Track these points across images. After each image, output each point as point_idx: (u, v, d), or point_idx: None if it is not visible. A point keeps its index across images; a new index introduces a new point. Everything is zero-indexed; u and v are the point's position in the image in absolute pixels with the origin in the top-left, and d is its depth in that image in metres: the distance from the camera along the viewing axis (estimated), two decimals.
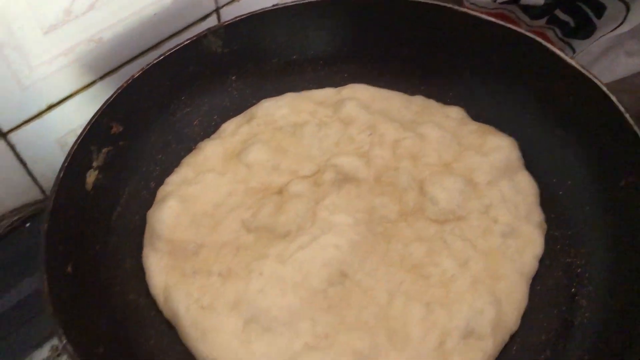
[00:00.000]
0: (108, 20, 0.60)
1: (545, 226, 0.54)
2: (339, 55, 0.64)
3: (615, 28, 0.69)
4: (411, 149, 0.57)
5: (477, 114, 0.61)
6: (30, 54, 0.56)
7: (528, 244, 0.52)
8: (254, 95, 0.63)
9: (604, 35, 0.71)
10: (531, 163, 0.57)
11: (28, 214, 0.64)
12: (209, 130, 0.62)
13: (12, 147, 0.60)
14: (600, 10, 0.71)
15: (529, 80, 0.58)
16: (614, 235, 0.51)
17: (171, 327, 0.50)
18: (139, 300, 0.51)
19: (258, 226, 0.53)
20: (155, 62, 0.57)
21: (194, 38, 0.59)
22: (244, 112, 0.62)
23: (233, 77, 0.63)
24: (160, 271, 0.51)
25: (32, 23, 0.54)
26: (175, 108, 0.60)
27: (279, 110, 0.61)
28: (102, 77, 0.63)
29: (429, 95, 0.63)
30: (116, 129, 0.55)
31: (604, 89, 0.52)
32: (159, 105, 0.59)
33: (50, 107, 0.61)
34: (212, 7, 0.68)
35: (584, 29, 0.74)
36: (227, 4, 0.69)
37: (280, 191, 0.56)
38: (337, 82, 0.64)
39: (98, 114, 0.53)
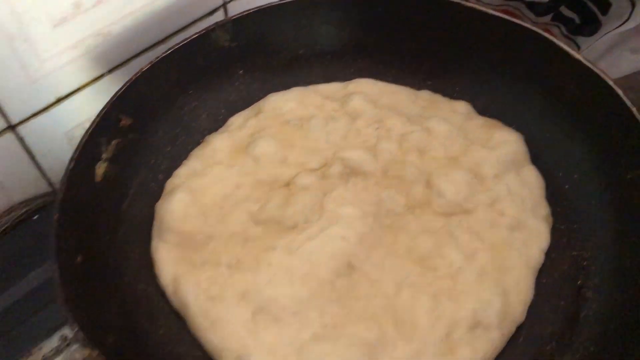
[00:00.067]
0: (116, 14, 0.60)
1: (551, 219, 0.55)
2: (346, 50, 0.65)
3: (621, 25, 0.70)
4: (418, 142, 0.58)
5: (484, 109, 0.61)
6: (39, 47, 0.56)
7: (534, 236, 0.53)
8: (261, 90, 0.63)
9: (609, 32, 0.71)
10: (537, 157, 0.57)
11: (36, 207, 0.65)
12: (217, 123, 0.62)
13: (21, 140, 0.61)
14: (605, 7, 0.72)
15: (535, 75, 0.58)
16: (620, 229, 0.51)
17: (180, 317, 0.50)
18: (148, 290, 0.52)
19: (266, 218, 0.54)
20: (163, 55, 0.57)
21: (202, 32, 0.59)
22: (252, 106, 0.63)
23: (240, 72, 0.63)
24: (169, 262, 0.52)
25: (42, 16, 0.54)
26: (183, 101, 0.61)
27: (286, 104, 0.62)
28: (110, 71, 0.63)
29: (435, 90, 0.63)
30: (125, 121, 0.55)
31: (611, 83, 0.52)
32: (167, 98, 0.59)
33: (59, 100, 0.61)
34: (220, 1, 0.68)
35: (589, 26, 0.74)
36: None
37: (287, 184, 0.56)
38: (344, 76, 0.64)
39: (108, 106, 0.53)
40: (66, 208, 0.48)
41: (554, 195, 0.56)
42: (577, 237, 0.53)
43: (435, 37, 0.62)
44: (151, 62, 0.56)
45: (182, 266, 0.51)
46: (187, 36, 0.59)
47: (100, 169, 0.53)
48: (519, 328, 0.49)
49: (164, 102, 0.59)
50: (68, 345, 0.54)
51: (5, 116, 0.58)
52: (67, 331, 0.55)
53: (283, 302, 0.48)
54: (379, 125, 0.59)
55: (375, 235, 0.52)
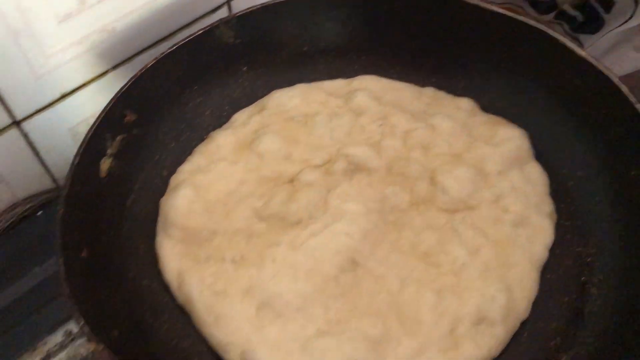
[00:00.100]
0: (121, 11, 0.60)
1: (555, 216, 0.55)
2: (350, 47, 0.65)
3: (624, 23, 0.70)
4: (422, 139, 0.58)
5: (488, 106, 0.61)
6: (44, 43, 0.56)
7: (538, 233, 0.53)
8: (265, 86, 0.64)
9: (612, 30, 0.71)
10: (541, 154, 0.58)
11: (40, 203, 0.65)
12: (221, 120, 0.62)
13: (25, 136, 0.61)
14: (608, 4, 0.72)
15: (539, 72, 0.58)
16: (624, 225, 0.51)
17: (185, 312, 0.51)
18: (152, 285, 0.52)
19: (270, 214, 0.54)
20: (168, 51, 0.57)
21: (207, 29, 0.59)
22: (255, 103, 0.63)
23: (244, 68, 0.63)
24: (174, 257, 0.52)
25: (47, 12, 0.54)
26: (187, 98, 0.61)
27: (290, 100, 0.62)
28: (114, 67, 0.63)
29: (439, 87, 0.63)
30: (130, 117, 0.55)
31: (615, 80, 0.52)
32: (171, 94, 0.59)
33: (64, 96, 0.61)
34: None
35: (593, 24, 0.74)
36: None
37: (291, 180, 0.56)
38: (348, 73, 0.64)
39: (113, 101, 0.53)
40: (71, 203, 0.48)
41: (558, 192, 0.56)
42: (581, 233, 0.54)
43: (439, 34, 0.62)
44: (156, 58, 0.57)
45: (186, 261, 0.51)
46: (191, 33, 0.59)
47: (105, 164, 0.53)
48: (523, 324, 0.49)
49: (168, 98, 0.59)
50: (72, 340, 0.54)
51: (10, 112, 0.58)
52: (71, 326, 0.55)
53: (287, 298, 0.48)
54: (383, 122, 0.59)
55: (379, 232, 0.53)
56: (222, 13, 0.68)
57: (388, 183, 0.55)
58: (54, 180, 0.67)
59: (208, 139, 0.60)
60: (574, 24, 0.76)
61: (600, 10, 0.73)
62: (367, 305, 0.49)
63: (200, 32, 0.59)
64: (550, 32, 0.56)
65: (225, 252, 0.52)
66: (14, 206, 0.64)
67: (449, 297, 0.49)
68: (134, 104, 0.55)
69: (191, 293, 0.50)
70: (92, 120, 0.53)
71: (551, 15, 0.77)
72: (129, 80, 0.55)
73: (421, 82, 0.63)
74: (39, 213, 0.64)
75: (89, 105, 0.63)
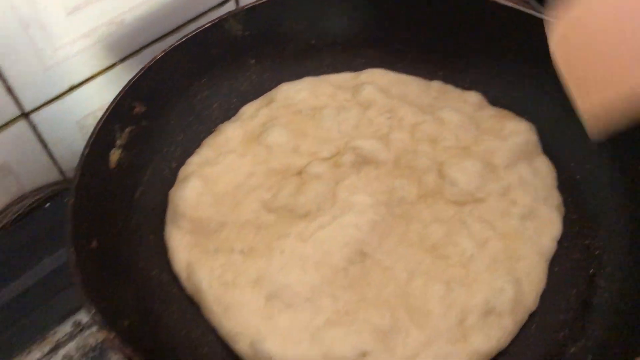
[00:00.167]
0: (129, 3, 0.60)
1: (563, 209, 0.55)
2: (357, 41, 0.65)
3: None
4: (430, 132, 0.58)
5: (495, 99, 0.61)
6: (53, 35, 0.56)
7: (546, 225, 0.53)
8: (272, 79, 0.64)
9: None
10: (549, 147, 0.58)
11: (48, 195, 0.65)
12: (229, 113, 0.62)
13: (34, 128, 0.61)
14: None
15: (547, 65, 0.57)
16: (632, 218, 0.52)
17: (194, 302, 0.51)
18: (161, 276, 0.52)
19: (278, 206, 0.54)
20: (177, 44, 0.57)
21: (215, 21, 0.59)
22: (263, 96, 0.63)
23: (252, 61, 0.64)
24: (183, 248, 0.52)
25: (56, 3, 0.55)
26: (195, 90, 0.61)
27: (298, 93, 0.62)
28: (122, 60, 0.63)
29: (446, 80, 0.63)
30: (139, 109, 0.55)
31: None
32: (180, 87, 0.60)
33: (72, 89, 0.61)
34: None
35: None
36: None
37: (300, 172, 0.56)
38: (355, 67, 0.64)
39: (122, 93, 0.53)
40: (81, 193, 0.48)
41: (565, 185, 0.56)
42: (589, 226, 0.54)
43: (446, 27, 0.62)
44: (164, 50, 0.57)
45: (195, 253, 0.52)
46: (200, 25, 0.59)
47: (115, 155, 0.53)
48: (532, 315, 0.50)
49: (177, 90, 0.60)
50: (81, 330, 0.55)
51: (19, 103, 0.58)
52: (80, 317, 0.55)
53: (296, 289, 0.49)
54: (390, 115, 0.59)
55: (387, 224, 0.53)
56: (230, 6, 0.69)
57: (396, 176, 0.55)
58: (62, 172, 0.67)
59: (216, 132, 0.60)
60: None
61: None
62: (376, 297, 0.49)
63: (209, 24, 0.59)
64: None
65: (234, 243, 0.52)
66: (22, 198, 0.64)
67: (458, 289, 0.49)
68: (143, 95, 0.55)
69: (200, 284, 0.50)
70: (99, 113, 0.53)
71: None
72: (139, 72, 0.55)
73: (428, 75, 0.64)
74: (47, 205, 0.64)
75: (97, 98, 0.63)
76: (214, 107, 0.62)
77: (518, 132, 0.58)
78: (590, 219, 0.54)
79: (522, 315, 0.49)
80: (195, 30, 0.58)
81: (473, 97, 0.61)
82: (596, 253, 0.52)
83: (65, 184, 0.67)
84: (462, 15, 0.61)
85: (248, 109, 0.62)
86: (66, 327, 0.55)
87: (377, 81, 0.62)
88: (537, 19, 0.57)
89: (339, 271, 0.50)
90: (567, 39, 0.39)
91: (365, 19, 0.64)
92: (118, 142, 0.54)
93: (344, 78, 0.64)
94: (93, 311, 0.41)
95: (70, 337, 0.55)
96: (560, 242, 0.53)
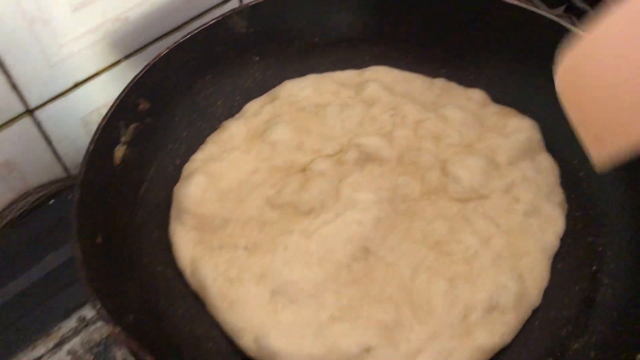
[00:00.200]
0: (134, 0, 0.60)
1: (566, 206, 0.55)
2: (361, 38, 0.65)
3: None
4: (433, 129, 0.58)
5: (499, 97, 0.61)
6: (59, 31, 0.56)
7: (550, 222, 0.53)
8: (276, 77, 0.64)
9: None
10: (552, 145, 0.58)
11: (52, 191, 0.65)
12: (233, 110, 0.63)
13: (39, 124, 0.61)
14: None
15: (550, 63, 0.58)
16: (635, 215, 0.52)
17: (198, 298, 0.51)
18: (166, 272, 0.52)
19: (282, 203, 0.54)
20: (181, 40, 0.58)
21: (219, 18, 0.60)
22: (267, 93, 0.63)
23: (256, 58, 0.64)
24: (187, 244, 0.52)
25: (62, 0, 0.55)
26: (200, 87, 0.61)
27: (302, 91, 0.62)
28: (126, 57, 0.64)
29: (450, 78, 0.63)
30: (143, 105, 0.56)
31: None
32: (184, 84, 0.60)
33: (77, 85, 0.62)
34: None
35: None
36: None
37: (303, 169, 0.56)
38: (359, 64, 0.65)
39: (127, 89, 0.53)
40: (86, 189, 0.48)
41: (569, 182, 0.56)
42: (592, 223, 0.54)
43: (450, 25, 0.63)
44: (169, 47, 0.57)
45: (199, 249, 0.52)
46: (204, 22, 0.59)
47: (119, 152, 0.53)
48: (535, 312, 0.50)
49: (181, 87, 0.60)
50: (86, 326, 0.55)
51: (23, 100, 0.58)
52: (85, 312, 0.56)
53: (300, 284, 0.49)
54: (394, 112, 0.60)
55: (391, 221, 0.53)
56: (234, 4, 0.69)
57: (399, 173, 0.56)
58: (66, 169, 0.67)
59: (220, 129, 0.60)
60: (584, 18, 0.76)
61: (611, 4, 0.73)
62: (380, 293, 0.49)
63: (213, 21, 0.59)
64: (563, 22, 0.56)
65: (238, 239, 0.52)
66: (26, 194, 0.65)
67: (461, 285, 0.49)
68: (148, 92, 0.56)
69: (205, 280, 0.50)
70: (103, 110, 0.53)
71: (561, 9, 0.78)
72: (143, 69, 0.55)
73: (432, 73, 0.64)
74: (51, 201, 0.65)
75: (101, 95, 0.64)
76: (217, 104, 0.62)
77: (521, 129, 0.58)
78: (594, 216, 0.54)
79: (525, 312, 0.49)
80: (200, 27, 0.59)
81: (476, 95, 0.61)
82: (599, 250, 0.52)
83: (70, 180, 0.67)
84: (465, 12, 0.61)
85: (252, 106, 0.62)
86: (71, 323, 0.55)
87: (380, 78, 0.62)
88: (541, 17, 0.57)
89: (343, 267, 0.50)
90: (572, 79, 0.39)
91: (369, 17, 0.64)
92: (123, 139, 0.54)
93: (348, 75, 0.64)
94: (98, 306, 0.41)
95: (75, 332, 0.55)
96: (564, 239, 0.53)
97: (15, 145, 0.61)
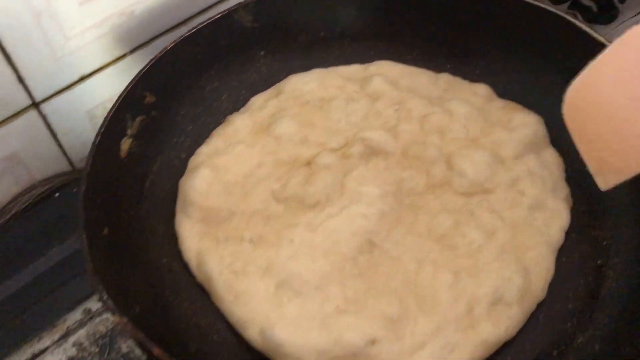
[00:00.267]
0: None
1: (571, 200, 0.55)
2: (366, 33, 0.65)
3: (639, 13, 0.70)
4: (438, 124, 0.58)
5: (504, 92, 0.61)
6: (65, 24, 0.57)
7: (554, 216, 0.53)
8: (281, 71, 0.64)
9: (626, 20, 0.72)
10: (557, 139, 0.58)
11: (57, 185, 0.65)
12: (238, 104, 0.63)
13: (44, 118, 0.61)
14: None
15: (556, 58, 0.58)
16: (639, 209, 0.52)
17: (204, 290, 0.51)
18: (172, 264, 0.52)
19: (287, 196, 0.54)
20: (187, 35, 0.58)
21: (225, 12, 0.60)
22: (272, 87, 0.63)
23: (262, 53, 0.64)
24: (193, 237, 0.52)
25: None
26: (205, 81, 0.61)
27: (307, 85, 0.62)
28: (132, 51, 0.64)
29: (455, 73, 0.63)
30: (149, 98, 0.56)
31: None
32: (189, 78, 0.60)
33: (82, 79, 0.62)
34: None
35: (607, 14, 0.75)
36: None
37: (308, 163, 0.56)
38: (364, 59, 0.65)
39: (133, 82, 0.53)
40: (92, 181, 0.48)
41: (573, 177, 0.56)
42: (597, 217, 0.54)
43: (455, 20, 0.63)
44: (175, 41, 0.57)
45: (205, 241, 0.52)
46: (210, 17, 0.59)
47: (125, 144, 0.54)
48: (540, 305, 0.50)
49: (187, 81, 0.60)
50: (91, 318, 0.55)
51: (29, 93, 0.58)
52: (90, 304, 0.56)
53: (306, 277, 0.49)
54: (399, 107, 0.60)
55: (396, 214, 0.53)
56: None
57: (404, 167, 0.56)
58: (71, 163, 0.68)
59: (225, 123, 0.61)
60: (588, 14, 0.76)
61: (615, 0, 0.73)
62: (384, 285, 0.49)
63: (219, 15, 0.59)
64: (568, 17, 0.56)
65: (244, 232, 0.52)
66: (31, 187, 0.65)
67: (466, 279, 0.49)
68: (153, 86, 0.56)
69: (210, 272, 0.50)
70: (109, 104, 0.53)
71: (565, 6, 0.78)
72: (149, 62, 0.55)
73: (437, 68, 0.64)
74: (56, 195, 0.65)
75: (107, 88, 0.64)
76: (223, 98, 0.63)
77: (526, 124, 0.58)
78: (598, 210, 0.54)
79: (530, 305, 0.49)
80: (205, 21, 0.59)
81: (482, 90, 0.61)
82: (604, 244, 0.52)
83: (75, 174, 0.67)
84: (471, 7, 0.61)
85: (257, 100, 0.62)
86: (76, 315, 0.55)
87: (386, 73, 0.63)
88: (546, 12, 0.57)
89: (348, 260, 0.50)
90: (578, 105, 0.39)
91: (374, 11, 0.64)
92: (129, 132, 0.54)
93: (353, 70, 0.64)
94: (105, 296, 0.42)
95: (81, 324, 0.55)
96: (568, 233, 0.53)
97: (20, 138, 0.61)
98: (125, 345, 0.53)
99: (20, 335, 0.54)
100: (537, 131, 0.58)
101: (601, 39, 0.54)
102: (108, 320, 0.55)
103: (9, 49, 0.54)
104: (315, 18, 0.64)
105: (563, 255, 0.52)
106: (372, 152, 0.57)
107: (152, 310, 0.47)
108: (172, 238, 0.53)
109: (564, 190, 0.55)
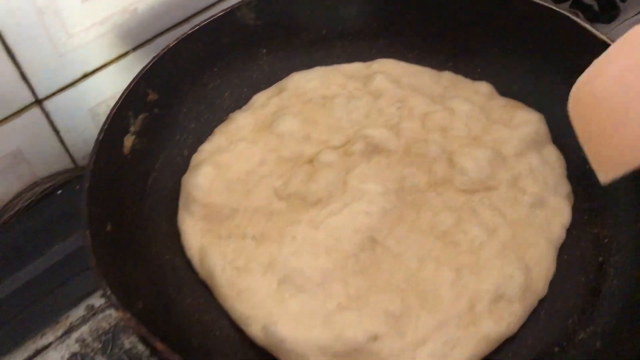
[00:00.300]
0: None
1: (572, 198, 0.55)
2: (368, 31, 0.65)
3: None
4: (440, 122, 0.58)
5: (505, 90, 0.62)
6: (68, 22, 0.57)
7: (556, 213, 0.53)
8: (283, 69, 0.64)
9: (628, 19, 0.72)
10: (559, 137, 0.58)
11: (60, 182, 0.65)
12: (240, 102, 0.63)
13: (47, 115, 0.62)
14: None
15: (557, 56, 0.58)
16: None
17: (206, 287, 0.51)
18: (174, 261, 0.52)
19: (290, 194, 0.54)
20: (190, 32, 0.58)
21: (227, 10, 0.60)
22: (275, 85, 0.63)
23: (264, 51, 0.64)
24: (196, 234, 0.53)
25: None
26: (207, 79, 0.61)
27: (309, 83, 0.62)
28: (134, 49, 0.64)
29: (457, 71, 0.63)
30: (152, 96, 0.56)
31: None
32: (192, 75, 0.60)
33: (85, 76, 0.62)
34: None
35: (608, 13, 0.75)
36: None
37: (310, 160, 0.57)
38: (366, 57, 0.65)
39: (136, 79, 0.54)
40: (96, 177, 0.48)
41: (575, 175, 0.56)
42: (598, 215, 0.54)
43: (457, 18, 0.63)
44: (177, 38, 0.57)
45: (208, 238, 0.52)
46: (212, 14, 0.59)
47: (128, 141, 0.54)
48: (541, 302, 0.50)
49: (189, 79, 0.60)
50: (94, 314, 0.55)
51: (32, 90, 0.59)
52: (93, 301, 0.56)
53: (308, 274, 0.49)
54: (401, 105, 0.60)
55: (398, 212, 0.53)
56: None
57: (406, 164, 0.56)
58: (73, 160, 0.68)
59: (228, 120, 0.61)
60: (590, 13, 0.76)
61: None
62: (387, 282, 0.49)
63: (221, 13, 0.59)
64: (570, 15, 0.56)
65: (246, 229, 0.52)
66: (34, 185, 0.65)
67: (468, 275, 0.49)
68: (156, 83, 0.56)
69: (213, 269, 0.50)
70: (112, 102, 0.53)
71: (567, 4, 0.78)
72: (152, 60, 0.55)
73: (438, 66, 0.64)
74: (59, 192, 0.65)
75: (109, 86, 0.64)
76: (225, 95, 0.63)
77: (528, 121, 0.58)
78: (600, 208, 0.54)
79: (531, 302, 0.49)
80: (208, 19, 0.59)
81: (484, 88, 0.62)
82: (605, 241, 0.52)
83: (77, 171, 0.67)
84: (472, 6, 0.62)
85: (259, 98, 0.63)
86: (79, 311, 0.56)
87: (388, 71, 0.63)
88: (549, 10, 0.57)
89: (350, 257, 0.50)
90: (582, 101, 0.40)
91: (376, 10, 0.65)
92: (132, 129, 0.54)
93: (355, 68, 0.64)
94: (109, 292, 0.42)
95: (84, 320, 0.55)
96: (570, 231, 0.53)
97: (23, 135, 0.61)
98: (128, 341, 0.54)
99: (23, 331, 0.55)
100: (539, 129, 0.58)
101: (603, 37, 0.54)
102: (111, 316, 0.55)
103: (12, 46, 0.54)
104: (318, 16, 0.64)
105: (564, 252, 0.52)
106: (374, 149, 0.57)
107: (155, 306, 0.48)
108: (175, 235, 0.54)
109: (565, 187, 0.56)
